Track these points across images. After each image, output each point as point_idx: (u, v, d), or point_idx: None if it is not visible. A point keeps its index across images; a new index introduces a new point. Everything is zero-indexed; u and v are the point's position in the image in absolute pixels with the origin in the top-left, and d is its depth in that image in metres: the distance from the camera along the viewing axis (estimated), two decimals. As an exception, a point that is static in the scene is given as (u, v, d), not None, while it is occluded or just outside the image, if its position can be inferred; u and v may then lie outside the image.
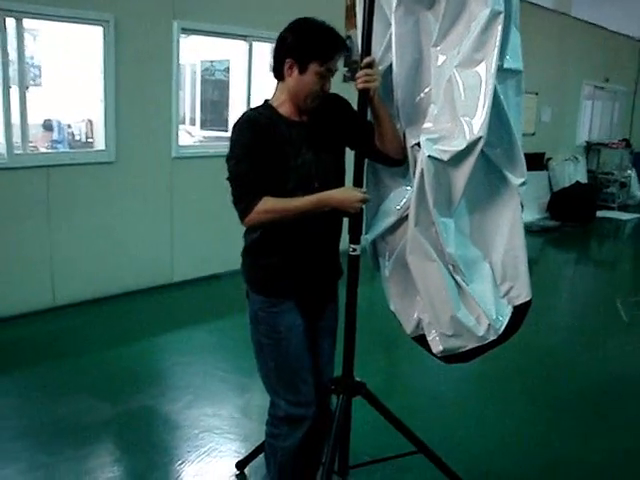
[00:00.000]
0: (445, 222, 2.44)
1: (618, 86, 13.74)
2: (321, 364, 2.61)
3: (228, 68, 8.18)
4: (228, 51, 7.68)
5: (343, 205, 2.32)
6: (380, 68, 2.46)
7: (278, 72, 2.37)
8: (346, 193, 2.33)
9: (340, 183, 2.49)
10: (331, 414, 2.57)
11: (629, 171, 13.31)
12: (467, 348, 2.59)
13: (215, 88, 9.19)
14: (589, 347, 5.28)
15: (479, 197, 2.51)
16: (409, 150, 2.49)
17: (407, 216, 2.56)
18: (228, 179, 2.31)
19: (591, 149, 13.16)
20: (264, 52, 6.55)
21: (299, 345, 2.45)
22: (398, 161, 2.53)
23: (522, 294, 2.57)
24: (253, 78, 6.56)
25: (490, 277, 2.57)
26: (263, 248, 2.45)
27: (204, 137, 8.40)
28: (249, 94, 6.56)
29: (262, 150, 2.27)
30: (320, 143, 2.42)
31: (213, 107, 9.17)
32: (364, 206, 2.40)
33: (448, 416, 3.90)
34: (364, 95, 2.34)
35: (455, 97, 2.31)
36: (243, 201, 2.26)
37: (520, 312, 2.59)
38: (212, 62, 8.97)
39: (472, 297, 2.51)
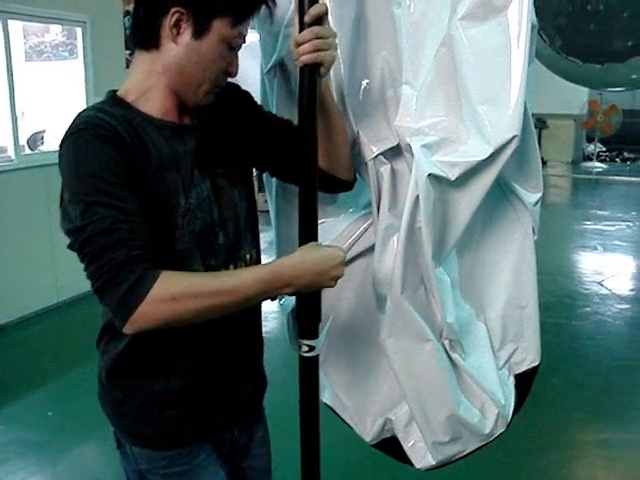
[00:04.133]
0: (441, 278, 1.51)
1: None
2: None
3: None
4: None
5: (316, 281, 1.29)
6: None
7: (148, 34, 1.30)
8: (320, 259, 1.29)
9: (255, 233, 1.50)
10: None
11: None
12: (466, 452, 1.70)
13: None
14: None
15: (472, 226, 1.60)
16: (369, 164, 1.50)
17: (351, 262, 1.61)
18: (73, 247, 1.20)
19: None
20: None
21: None
22: (347, 184, 1.55)
23: (527, 358, 1.73)
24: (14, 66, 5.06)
25: (487, 343, 1.70)
26: (144, 364, 1.38)
27: None
28: (11, 87, 4.92)
29: (127, 180, 1.21)
30: (219, 163, 1.39)
31: None
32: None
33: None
34: (311, 76, 1.30)
35: (462, 72, 1.36)
36: (120, 283, 1.14)
37: (523, 381, 1.75)
38: None
39: (473, 380, 1.63)
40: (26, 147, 5.63)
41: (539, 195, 1.58)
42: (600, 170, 13.81)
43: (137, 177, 1.23)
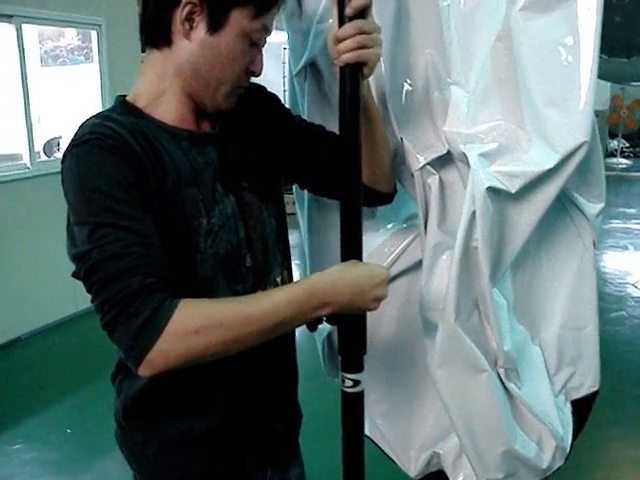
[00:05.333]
0: (497, 300, 1.35)
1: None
2: None
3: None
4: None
5: (356, 302, 1.13)
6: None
7: (159, 29, 1.16)
8: (361, 276, 1.13)
9: (287, 253, 1.34)
10: None
11: None
12: (521, 489, 1.53)
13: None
14: None
15: (528, 241, 1.43)
16: (415, 175, 1.34)
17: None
18: (78, 275, 1.05)
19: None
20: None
21: None
22: (387, 197, 1.39)
23: (586, 382, 1.56)
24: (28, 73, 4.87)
25: (543, 368, 1.53)
26: (165, 404, 1.23)
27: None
28: (25, 92, 4.76)
29: (140, 197, 1.06)
30: (245, 176, 1.24)
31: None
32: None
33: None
34: (353, 77, 1.14)
35: (522, 70, 1.20)
36: (133, 316, 0.98)
37: (581, 408, 1.58)
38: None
39: (530, 410, 1.46)
40: (42, 154, 5.53)
41: (602, 205, 1.41)
42: (624, 166, 13.52)
43: (151, 194, 1.07)
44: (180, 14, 1.11)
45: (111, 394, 1.31)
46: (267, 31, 1.16)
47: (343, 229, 1.19)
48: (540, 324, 1.51)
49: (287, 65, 1.61)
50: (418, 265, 1.53)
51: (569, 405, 1.57)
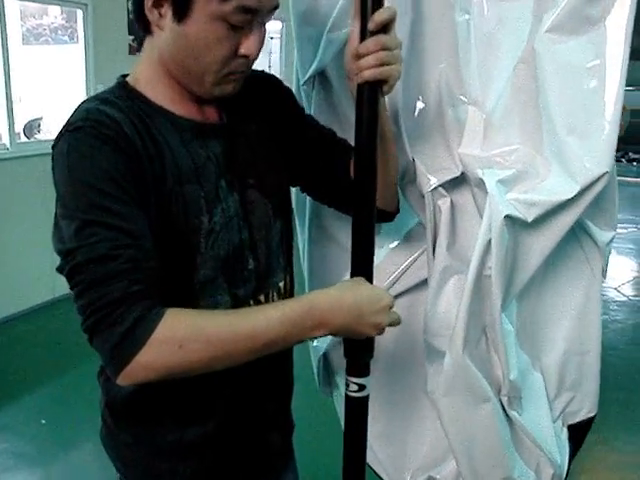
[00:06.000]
0: (505, 328, 1.31)
1: None
2: None
3: None
4: None
5: (353, 325, 1.07)
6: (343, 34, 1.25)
7: (139, 17, 1.08)
8: (362, 298, 1.06)
9: (290, 257, 1.29)
10: None
11: None
12: (516, 518, 1.50)
13: None
14: None
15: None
16: (426, 196, 1.29)
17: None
18: (62, 270, 0.99)
19: None
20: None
21: None
22: (390, 215, 1.34)
23: (584, 407, 1.53)
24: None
25: (543, 394, 1.49)
26: (155, 411, 1.18)
27: None
28: (6, 71, 4.58)
29: (135, 194, 1.00)
30: (251, 171, 1.18)
31: None
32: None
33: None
34: (372, 95, 1.08)
35: (545, 94, 1.16)
36: (114, 324, 0.93)
37: (577, 432, 1.55)
38: None
39: (530, 437, 1.43)
40: (22, 135, 5.40)
41: (613, 233, 1.37)
42: (612, 171, 13.55)
43: (147, 190, 1.01)
44: (147, 2, 1.03)
45: (90, 384, 1.22)
46: (249, 11, 1.03)
47: (355, 247, 1.13)
48: (542, 349, 1.47)
49: (274, 56, 1.54)
50: (420, 285, 1.49)
51: (566, 430, 1.54)
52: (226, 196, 1.12)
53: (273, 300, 1.23)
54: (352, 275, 1.14)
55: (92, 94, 1.13)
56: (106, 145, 0.97)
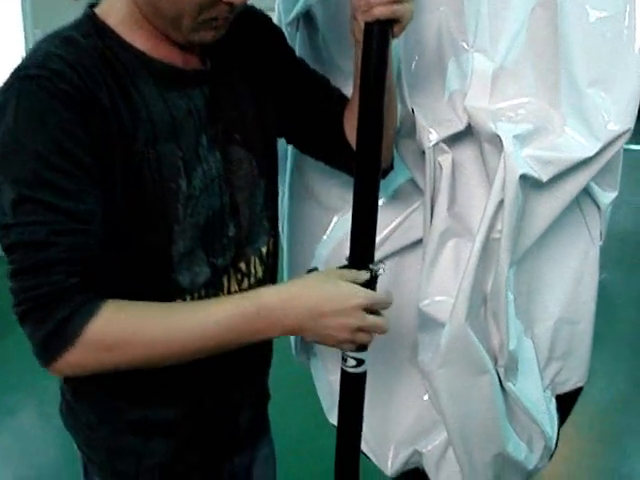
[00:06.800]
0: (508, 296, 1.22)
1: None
2: None
3: None
4: None
5: (317, 330, 0.95)
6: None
7: None
8: (325, 298, 0.94)
9: (275, 219, 1.18)
10: None
11: None
12: (503, 490, 1.45)
13: None
14: None
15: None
16: (427, 152, 1.18)
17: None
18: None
19: None
20: None
21: None
22: (383, 172, 1.22)
23: (573, 377, 1.47)
24: None
25: (535, 364, 1.43)
26: (120, 388, 1.07)
27: None
28: None
29: (91, 163, 0.87)
30: (237, 125, 1.05)
31: None
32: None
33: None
34: (382, 37, 0.95)
35: (565, 42, 1.05)
36: (45, 319, 0.85)
37: (564, 403, 1.49)
38: None
39: (523, 409, 1.36)
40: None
41: (615, 194, 1.30)
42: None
43: (112, 154, 0.88)
44: None
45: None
46: None
47: (356, 210, 1.01)
48: (535, 317, 1.40)
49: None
50: (408, 248, 1.40)
51: (554, 400, 1.48)
52: (207, 155, 1.00)
53: (255, 268, 1.12)
54: (350, 251, 1.03)
55: (30, 42, 0.97)
56: (62, 104, 0.84)
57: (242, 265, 1.09)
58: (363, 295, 0.94)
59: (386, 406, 1.47)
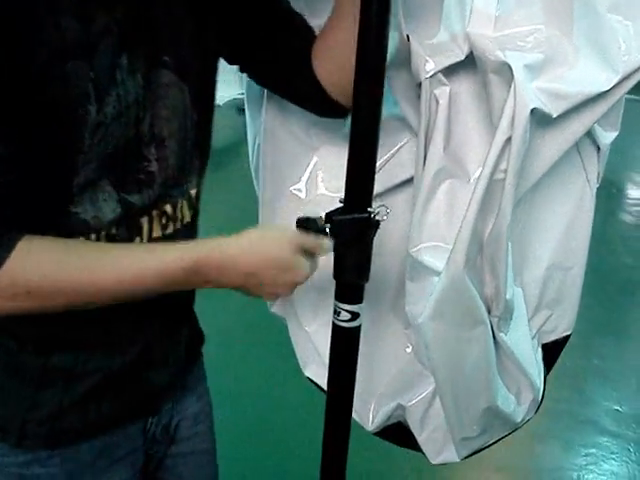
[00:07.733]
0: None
1: None
2: None
3: None
4: None
5: (256, 291, 0.95)
6: None
7: None
8: (265, 264, 0.92)
9: (206, 160, 1.07)
10: None
11: None
12: (489, 443, 1.40)
13: None
14: None
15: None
16: (423, 84, 1.07)
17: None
18: None
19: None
20: None
21: None
22: (343, 112, 1.10)
23: (560, 326, 1.41)
24: None
25: (524, 312, 1.36)
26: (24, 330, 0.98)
27: None
28: None
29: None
30: (166, 44, 0.93)
31: None
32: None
33: None
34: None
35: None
36: None
37: (550, 352, 1.43)
38: None
39: (513, 360, 1.31)
40: None
41: (616, 134, 1.22)
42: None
43: (12, 72, 0.76)
44: None
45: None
46: None
47: (353, 148, 0.90)
48: (525, 263, 1.33)
49: None
50: (393, 189, 1.30)
51: (540, 350, 1.43)
52: (125, 78, 0.87)
53: (182, 212, 1.02)
54: (346, 193, 0.93)
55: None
56: None
57: (167, 207, 0.99)
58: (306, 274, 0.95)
59: (367, 358, 1.39)
